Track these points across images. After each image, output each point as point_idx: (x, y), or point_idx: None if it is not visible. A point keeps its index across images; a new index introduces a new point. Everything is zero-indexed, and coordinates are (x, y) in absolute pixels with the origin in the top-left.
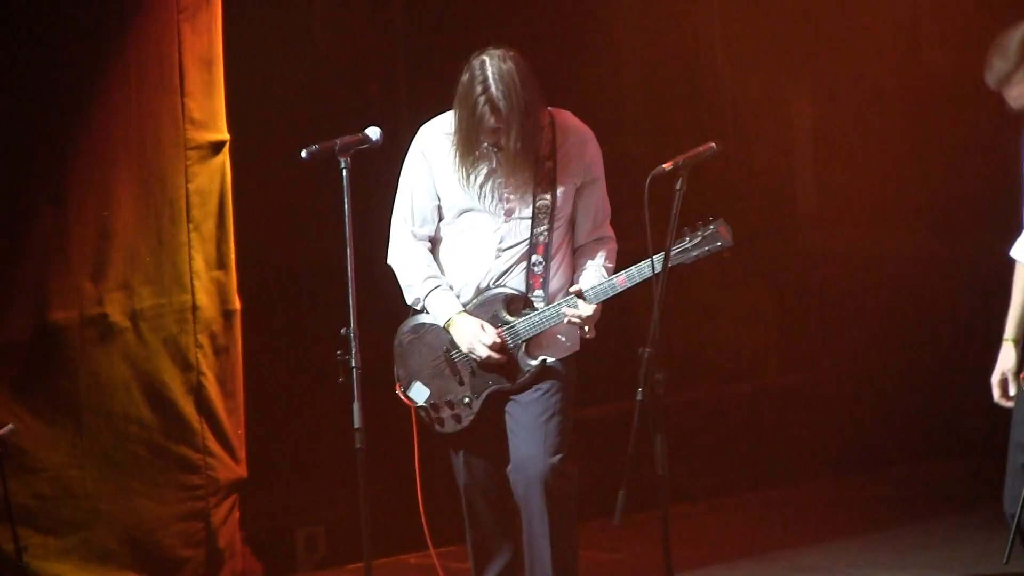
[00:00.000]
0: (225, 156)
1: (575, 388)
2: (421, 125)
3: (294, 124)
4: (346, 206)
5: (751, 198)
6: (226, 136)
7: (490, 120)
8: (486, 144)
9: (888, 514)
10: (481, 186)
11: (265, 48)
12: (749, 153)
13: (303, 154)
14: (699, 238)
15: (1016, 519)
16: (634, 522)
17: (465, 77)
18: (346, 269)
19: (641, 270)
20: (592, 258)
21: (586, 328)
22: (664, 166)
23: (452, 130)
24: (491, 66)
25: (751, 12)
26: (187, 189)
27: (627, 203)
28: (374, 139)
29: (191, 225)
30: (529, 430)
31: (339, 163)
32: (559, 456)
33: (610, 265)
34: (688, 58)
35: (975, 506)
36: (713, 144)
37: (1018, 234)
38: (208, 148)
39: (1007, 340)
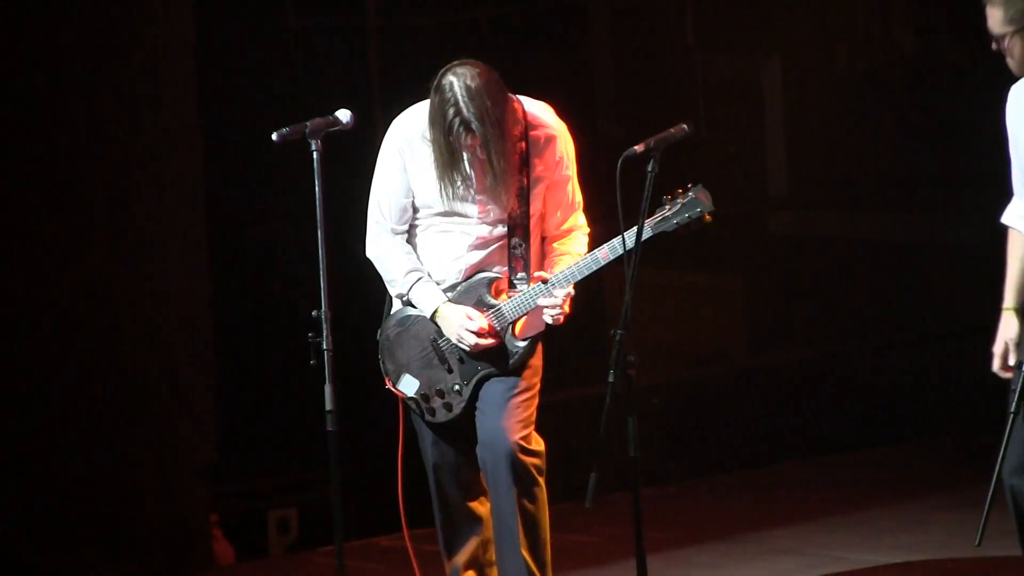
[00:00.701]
0: (198, 138)
1: (541, 365)
2: (392, 106)
3: (266, 106)
4: (317, 188)
5: (723, 181)
6: (198, 119)
7: (466, 140)
8: (466, 157)
9: (860, 496)
10: (462, 196)
11: (237, 30)
12: (721, 136)
13: (274, 137)
14: (678, 205)
15: (989, 503)
16: (606, 504)
17: (436, 98)
18: (318, 251)
19: (623, 241)
20: (563, 245)
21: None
22: (636, 148)
23: (430, 135)
24: (460, 87)
25: None
26: (160, 171)
27: (600, 186)
28: (345, 121)
29: (164, 207)
30: (496, 407)
31: (310, 145)
32: (526, 432)
33: (583, 251)
34: (660, 40)
35: (948, 487)
36: (685, 126)
37: (1007, 201)
38: (180, 130)
39: (1007, 309)
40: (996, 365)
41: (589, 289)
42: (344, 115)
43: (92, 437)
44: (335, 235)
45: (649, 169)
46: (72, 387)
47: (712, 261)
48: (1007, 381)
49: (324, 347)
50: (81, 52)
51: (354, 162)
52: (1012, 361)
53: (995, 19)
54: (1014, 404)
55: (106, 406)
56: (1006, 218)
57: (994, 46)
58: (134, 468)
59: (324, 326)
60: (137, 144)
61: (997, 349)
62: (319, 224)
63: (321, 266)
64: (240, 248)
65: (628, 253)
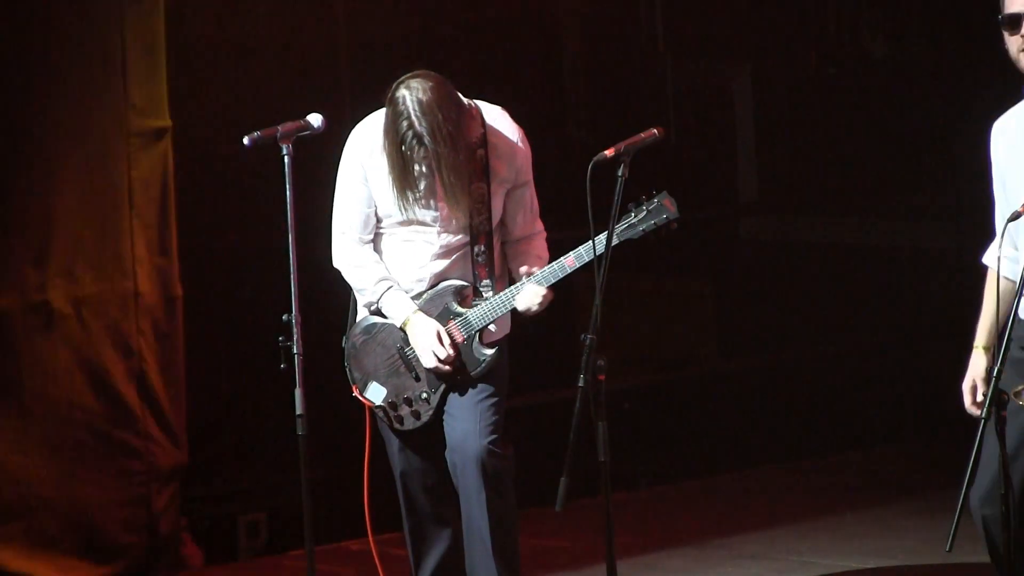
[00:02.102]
0: (168, 143)
1: (507, 370)
2: (363, 110)
3: (236, 110)
4: (288, 192)
5: (693, 185)
6: (169, 123)
7: (419, 153)
8: (421, 172)
9: (830, 501)
10: (419, 205)
11: (208, 35)
12: (691, 140)
13: (245, 141)
14: (644, 212)
15: (960, 509)
16: (576, 509)
17: (389, 111)
18: (288, 255)
19: (589, 249)
20: (528, 251)
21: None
22: (606, 152)
23: (384, 147)
24: (412, 100)
25: (693, 0)
26: (129, 176)
27: (570, 190)
28: (316, 125)
29: (133, 212)
30: (464, 412)
31: (281, 150)
32: (494, 436)
33: (544, 255)
34: (630, 45)
35: (918, 493)
36: (655, 131)
37: (990, 239)
38: (151, 134)
39: (977, 347)
40: (967, 403)
41: (558, 294)
42: (315, 119)
43: (62, 440)
44: (306, 239)
45: (619, 174)
46: (42, 390)
47: (682, 265)
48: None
49: (294, 351)
50: (53, 52)
51: (326, 166)
52: (980, 397)
53: None
54: (984, 410)
55: (76, 409)
56: (986, 258)
57: (1022, 33)
58: (104, 471)
59: (294, 330)
60: (107, 148)
61: (966, 386)
62: (289, 228)
63: (291, 270)
64: (210, 252)
65: (597, 258)
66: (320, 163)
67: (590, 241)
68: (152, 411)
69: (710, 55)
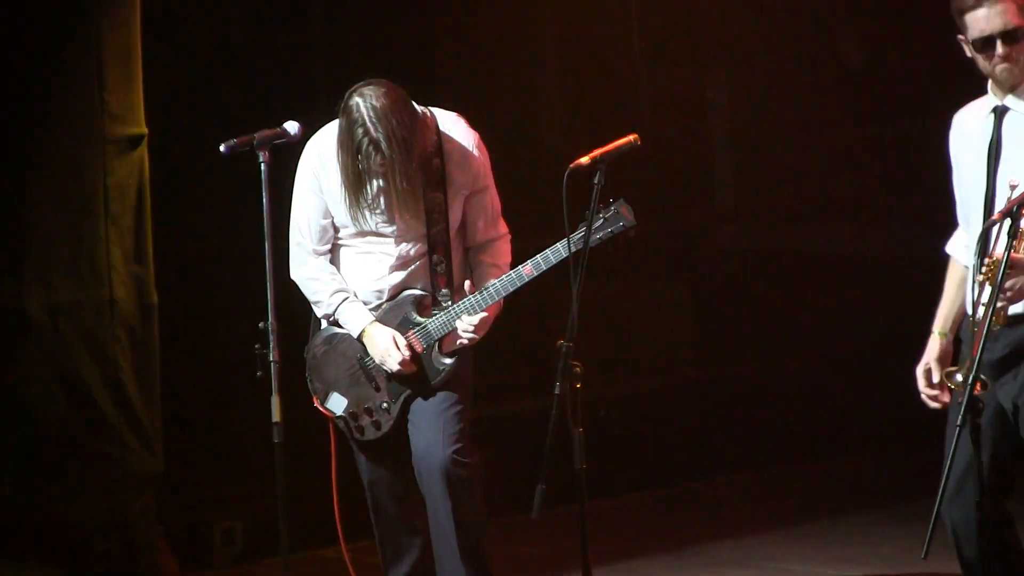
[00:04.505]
0: (143, 150)
1: (471, 377)
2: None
3: (213, 118)
4: (264, 200)
5: (669, 193)
6: (144, 130)
7: (376, 160)
8: (375, 181)
9: (806, 509)
10: (373, 215)
11: (183, 42)
12: (667, 148)
13: (222, 148)
14: (601, 220)
15: (937, 514)
16: (552, 516)
17: (343, 120)
18: (264, 263)
19: (547, 258)
20: (488, 257)
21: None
22: (582, 160)
23: (338, 158)
24: (366, 107)
25: (669, 8)
26: (105, 183)
27: (546, 197)
28: (292, 133)
29: (109, 219)
30: (428, 420)
31: (257, 157)
32: (459, 445)
33: (506, 261)
34: (606, 54)
35: (893, 501)
36: (632, 138)
37: (952, 230)
38: (126, 142)
39: (934, 332)
40: (920, 386)
41: (534, 301)
42: (292, 127)
43: (37, 447)
44: (283, 246)
45: (595, 181)
46: (16, 397)
47: (659, 273)
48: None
49: (270, 359)
50: (28, 61)
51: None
52: (935, 380)
53: (1011, 12)
54: (960, 417)
55: (51, 416)
56: (949, 247)
57: (1001, 50)
58: (79, 479)
59: (270, 337)
60: (83, 155)
61: (920, 370)
62: (266, 235)
63: (268, 277)
64: (186, 259)
65: (573, 267)
66: (297, 170)
67: (548, 249)
68: (127, 419)
69: (686, 63)
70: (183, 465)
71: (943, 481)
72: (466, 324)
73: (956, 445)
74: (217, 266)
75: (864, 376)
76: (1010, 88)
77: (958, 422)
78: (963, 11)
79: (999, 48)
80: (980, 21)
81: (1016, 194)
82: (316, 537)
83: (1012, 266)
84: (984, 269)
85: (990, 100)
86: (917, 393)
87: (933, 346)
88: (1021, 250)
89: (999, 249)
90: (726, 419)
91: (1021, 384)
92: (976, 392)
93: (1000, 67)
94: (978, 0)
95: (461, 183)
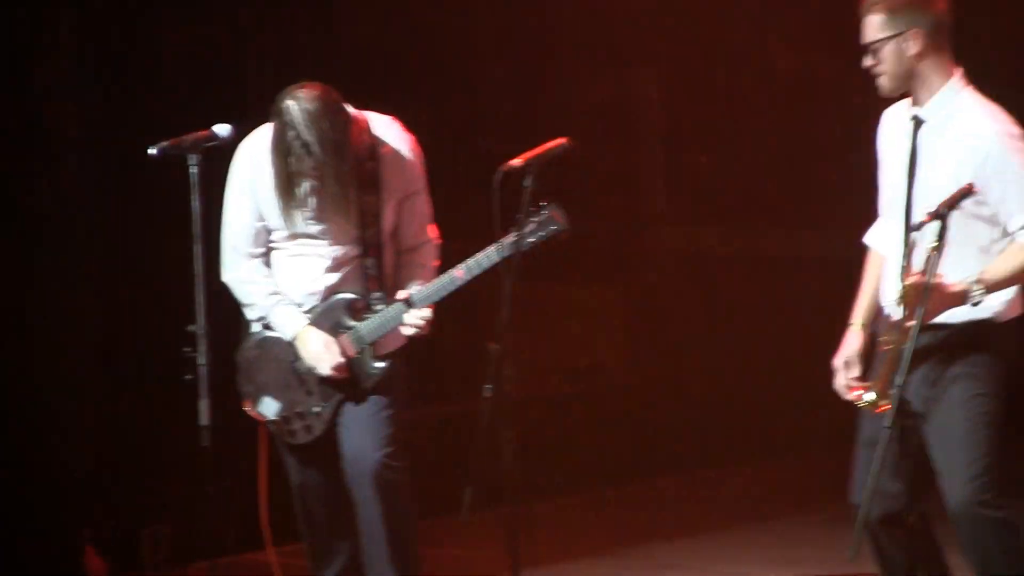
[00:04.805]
0: (78, 152)
1: (405, 380)
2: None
3: (143, 121)
4: (195, 203)
5: (601, 196)
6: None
7: (308, 163)
8: (307, 184)
9: (738, 511)
10: (307, 218)
11: (114, 44)
12: (599, 151)
13: (152, 151)
14: (533, 224)
15: (864, 515)
16: (483, 519)
17: (276, 123)
18: (195, 265)
19: (479, 261)
20: (418, 262)
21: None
22: (514, 162)
23: (271, 160)
24: (299, 110)
25: (601, 11)
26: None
27: (479, 199)
28: (223, 136)
29: None
30: (359, 424)
31: (188, 160)
32: (390, 448)
33: (434, 264)
34: (540, 57)
35: (825, 503)
36: (564, 141)
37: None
38: (62, 143)
39: (853, 325)
40: (839, 380)
41: (465, 303)
42: (223, 129)
43: None
44: (215, 249)
45: (526, 184)
46: None
47: (591, 275)
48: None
49: (199, 362)
50: None
51: None
52: (853, 374)
53: (873, 26)
54: (889, 420)
55: None
56: (868, 238)
57: (868, 61)
58: (6, 482)
59: (200, 341)
60: (16, 158)
61: (838, 363)
62: (197, 238)
63: (198, 281)
64: (116, 263)
65: (504, 269)
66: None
67: (481, 253)
68: (57, 420)
69: (618, 65)
70: (112, 469)
71: (868, 483)
72: (413, 317)
73: (884, 450)
74: (147, 268)
75: (797, 378)
76: (914, 98)
77: (886, 423)
78: None
79: (868, 59)
80: (868, 31)
81: (937, 202)
82: (244, 541)
83: (928, 290)
84: (900, 292)
85: (910, 106)
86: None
87: (852, 339)
88: (940, 261)
89: (915, 266)
90: (659, 421)
91: (931, 391)
92: (882, 409)
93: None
94: (863, 10)
95: (394, 186)
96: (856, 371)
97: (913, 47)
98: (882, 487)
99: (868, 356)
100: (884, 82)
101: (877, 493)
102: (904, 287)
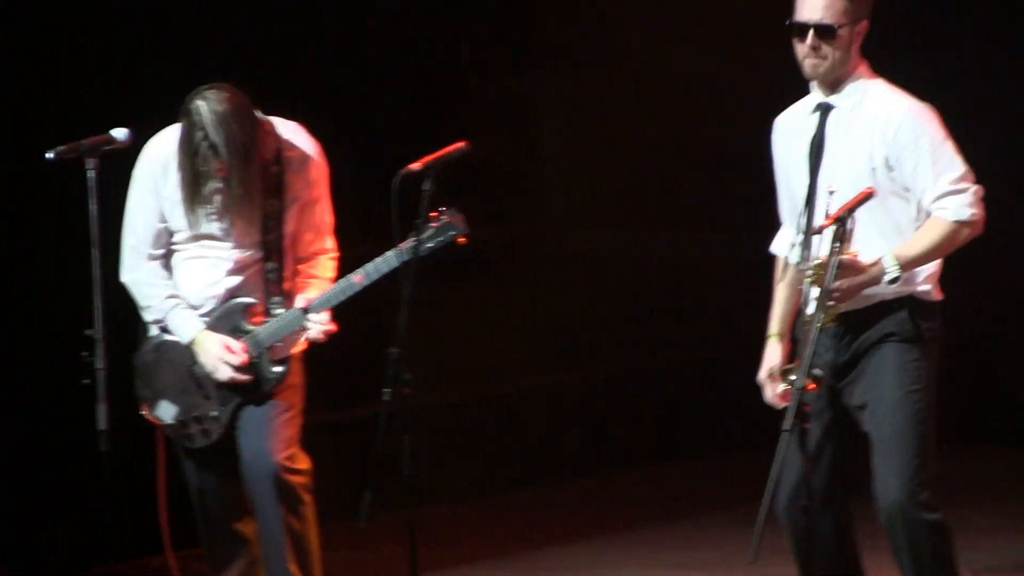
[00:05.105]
0: None
1: (302, 383)
2: (168, 124)
3: (40, 125)
4: (93, 207)
5: (500, 199)
6: None
7: (214, 164)
8: (213, 184)
9: (637, 514)
10: (211, 219)
11: (9, 47)
12: (498, 154)
13: (49, 155)
14: (433, 229)
15: (763, 517)
16: (382, 523)
17: (184, 123)
18: (92, 270)
19: (378, 266)
20: (311, 268)
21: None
22: (412, 166)
23: (178, 160)
24: (207, 110)
25: (499, 13)
26: None
27: (378, 204)
28: (120, 139)
29: None
30: (257, 428)
31: (85, 164)
32: (290, 451)
33: (329, 277)
34: (437, 59)
35: (723, 505)
36: (463, 144)
37: (777, 231)
38: None
39: (771, 336)
40: (767, 394)
41: (365, 306)
42: (120, 133)
43: None
44: (111, 254)
45: (425, 188)
46: None
47: (490, 278)
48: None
49: (97, 366)
50: None
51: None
52: (780, 388)
53: (834, 9)
54: (788, 422)
55: None
56: (774, 247)
57: (811, 42)
58: None
59: (97, 345)
60: None
61: (762, 377)
62: (94, 242)
63: (96, 285)
64: (12, 267)
65: (403, 273)
66: (126, 176)
67: (379, 258)
68: None
69: (516, 69)
70: (9, 473)
71: (770, 486)
72: (314, 323)
73: (782, 452)
74: (44, 273)
75: (699, 379)
76: (830, 85)
77: (785, 426)
78: None
79: (809, 38)
80: (804, 5)
81: (840, 202)
82: (143, 545)
83: (842, 267)
84: (811, 272)
85: (814, 97)
86: (755, 396)
87: (772, 351)
88: (847, 252)
89: (824, 251)
90: (559, 424)
91: (863, 379)
92: (810, 388)
93: (808, 60)
94: None
95: (298, 192)
96: (781, 384)
97: (860, 37)
98: (795, 481)
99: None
100: (823, 67)
101: (794, 493)
102: (814, 267)
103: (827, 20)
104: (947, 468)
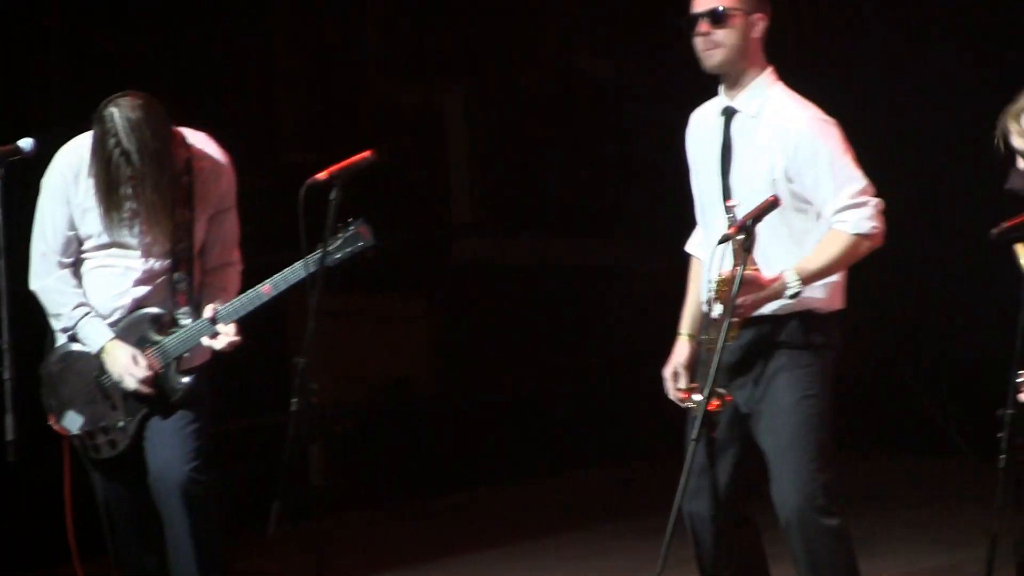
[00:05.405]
0: None
1: (209, 395)
2: (75, 134)
3: None
4: None
5: (407, 208)
6: None
7: (126, 171)
8: (125, 190)
9: (546, 523)
10: (123, 226)
11: None
12: (405, 162)
13: None
14: (340, 240)
15: (672, 526)
16: (290, 533)
17: (97, 129)
18: None
19: (286, 277)
20: (219, 284)
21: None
22: (319, 176)
23: (90, 167)
24: (120, 117)
25: (406, 22)
26: None
27: (285, 214)
28: (27, 150)
29: None
30: (165, 438)
31: None
32: (196, 462)
33: (235, 289)
34: (344, 69)
35: (632, 515)
36: (369, 154)
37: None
38: None
39: (681, 335)
40: (669, 390)
41: (271, 316)
42: (26, 143)
43: None
44: (18, 263)
45: (331, 198)
46: None
47: (398, 287)
48: (688, 410)
49: (3, 376)
50: None
51: (37, 190)
52: (682, 385)
53: None
54: (695, 432)
55: None
56: (689, 246)
57: (704, 28)
58: None
59: (4, 355)
60: None
61: (667, 373)
62: (0, 252)
63: (2, 294)
64: None
65: (310, 282)
66: (33, 187)
67: (287, 269)
68: None
69: (423, 76)
70: None
71: (679, 496)
72: (220, 335)
73: (692, 453)
74: None
75: (607, 387)
76: (732, 85)
77: (693, 436)
78: None
79: (702, 25)
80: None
81: (743, 211)
82: (51, 555)
83: (744, 282)
84: (713, 287)
85: (721, 100)
86: (665, 401)
87: (680, 348)
88: (749, 265)
89: (726, 266)
90: (466, 433)
91: (757, 388)
92: (714, 407)
93: (703, 50)
94: None
95: (208, 202)
96: (684, 380)
97: (757, 31)
98: (696, 480)
99: (695, 364)
100: (717, 55)
101: (695, 496)
102: (716, 283)
103: (719, 3)
104: (852, 476)
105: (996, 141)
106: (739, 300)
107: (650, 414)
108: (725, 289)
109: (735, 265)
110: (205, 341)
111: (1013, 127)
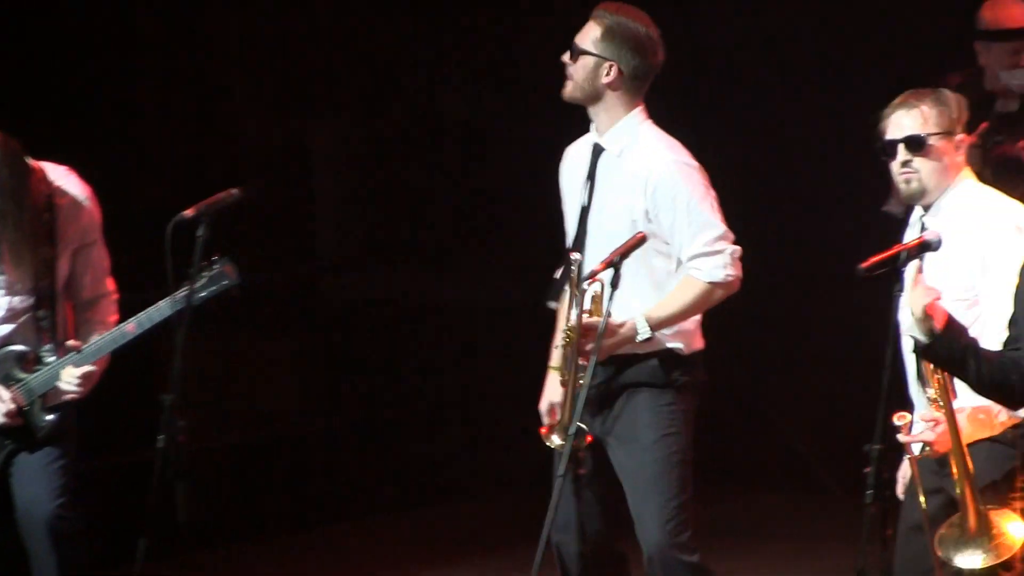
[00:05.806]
0: None
1: (75, 431)
2: None
3: None
4: None
5: (272, 244)
6: None
7: None
8: None
9: (411, 558)
10: None
11: None
12: (270, 198)
13: None
14: (205, 279)
15: (539, 561)
16: (156, 571)
17: None
18: None
19: (151, 315)
20: (97, 319)
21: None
22: (185, 213)
23: None
24: None
25: (270, 57)
26: None
27: (150, 251)
28: None
29: None
30: (31, 475)
31: None
32: (63, 499)
33: (113, 319)
34: (208, 103)
35: (500, 548)
36: (235, 191)
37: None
38: None
39: (552, 368)
40: (544, 423)
41: (141, 353)
42: None
43: None
44: None
45: (199, 234)
46: None
47: (263, 325)
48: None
49: None
50: None
51: None
52: (553, 420)
53: (587, 34)
54: (561, 467)
55: None
56: (552, 303)
57: (566, 58)
58: None
59: None
60: None
61: (542, 407)
62: None
63: None
64: None
65: (178, 321)
66: None
67: (152, 307)
68: None
69: (287, 113)
70: None
71: (545, 530)
72: (70, 377)
73: (558, 497)
74: None
75: (480, 421)
76: (602, 123)
77: (558, 472)
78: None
79: (567, 55)
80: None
81: (607, 250)
82: None
83: (594, 330)
84: (563, 337)
85: (591, 136)
86: (535, 438)
87: (552, 383)
88: (603, 306)
89: (573, 315)
90: (331, 469)
91: (617, 423)
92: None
93: (565, 83)
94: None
95: (70, 237)
96: (558, 415)
97: (607, 77)
98: (565, 513)
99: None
100: (569, 87)
101: (565, 530)
102: (567, 329)
103: (579, 41)
104: (716, 512)
105: (876, 145)
106: (588, 347)
107: (521, 445)
108: (575, 336)
109: (581, 311)
110: (61, 386)
111: (886, 123)
